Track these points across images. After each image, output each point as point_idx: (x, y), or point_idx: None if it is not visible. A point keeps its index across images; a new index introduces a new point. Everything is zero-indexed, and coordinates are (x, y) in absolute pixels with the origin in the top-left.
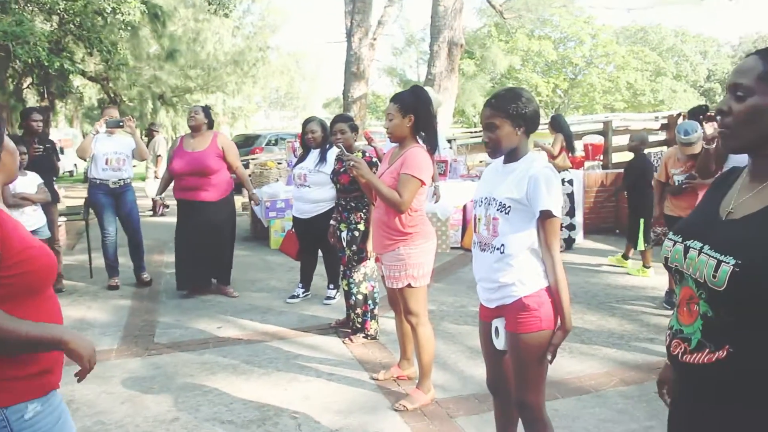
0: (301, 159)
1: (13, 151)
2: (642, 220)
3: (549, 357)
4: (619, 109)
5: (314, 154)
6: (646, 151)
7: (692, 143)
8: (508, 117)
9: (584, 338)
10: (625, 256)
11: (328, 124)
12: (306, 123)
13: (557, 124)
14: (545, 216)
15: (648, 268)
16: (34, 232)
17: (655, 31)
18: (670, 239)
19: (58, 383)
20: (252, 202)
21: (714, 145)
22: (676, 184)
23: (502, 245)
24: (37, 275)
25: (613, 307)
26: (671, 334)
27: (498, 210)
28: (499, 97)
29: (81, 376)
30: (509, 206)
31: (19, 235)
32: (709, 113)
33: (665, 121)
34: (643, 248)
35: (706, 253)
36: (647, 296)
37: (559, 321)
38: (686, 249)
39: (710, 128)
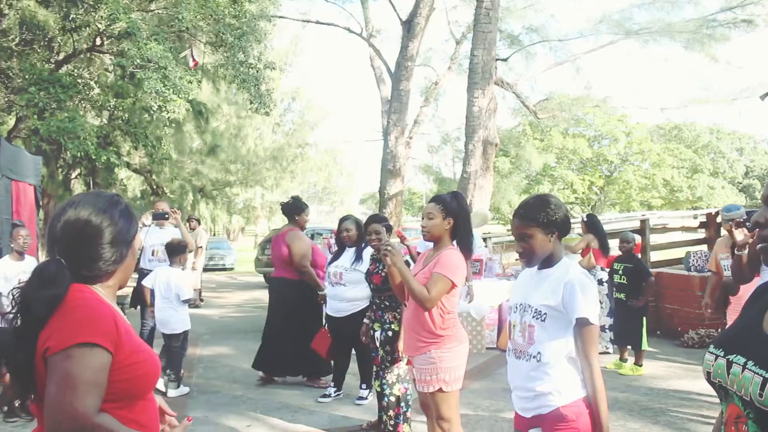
0: (336, 257)
1: (134, 251)
2: (644, 319)
3: None
4: (656, 206)
5: (350, 252)
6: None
7: (733, 219)
8: (539, 225)
9: None
10: (623, 359)
11: (364, 221)
12: (342, 221)
13: (591, 225)
14: (582, 324)
15: (641, 366)
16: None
17: (689, 129)
18: (711, 353)
19: None
20: None
21: (745, 251)
22: (724, 271)
23: (539, 353)
24: (143, 379)
25: (657, 414)
26: None
27: (533, 317)
28: (528, 207)
29: None
30: (545, 313)
31: (131, 339)
32: (736, 219)
33: (704, 219)
34: (646, 347)
35: (750, 370)
36: (692, 401)
37: None
38: (729, 364)
39: (740, 234)
